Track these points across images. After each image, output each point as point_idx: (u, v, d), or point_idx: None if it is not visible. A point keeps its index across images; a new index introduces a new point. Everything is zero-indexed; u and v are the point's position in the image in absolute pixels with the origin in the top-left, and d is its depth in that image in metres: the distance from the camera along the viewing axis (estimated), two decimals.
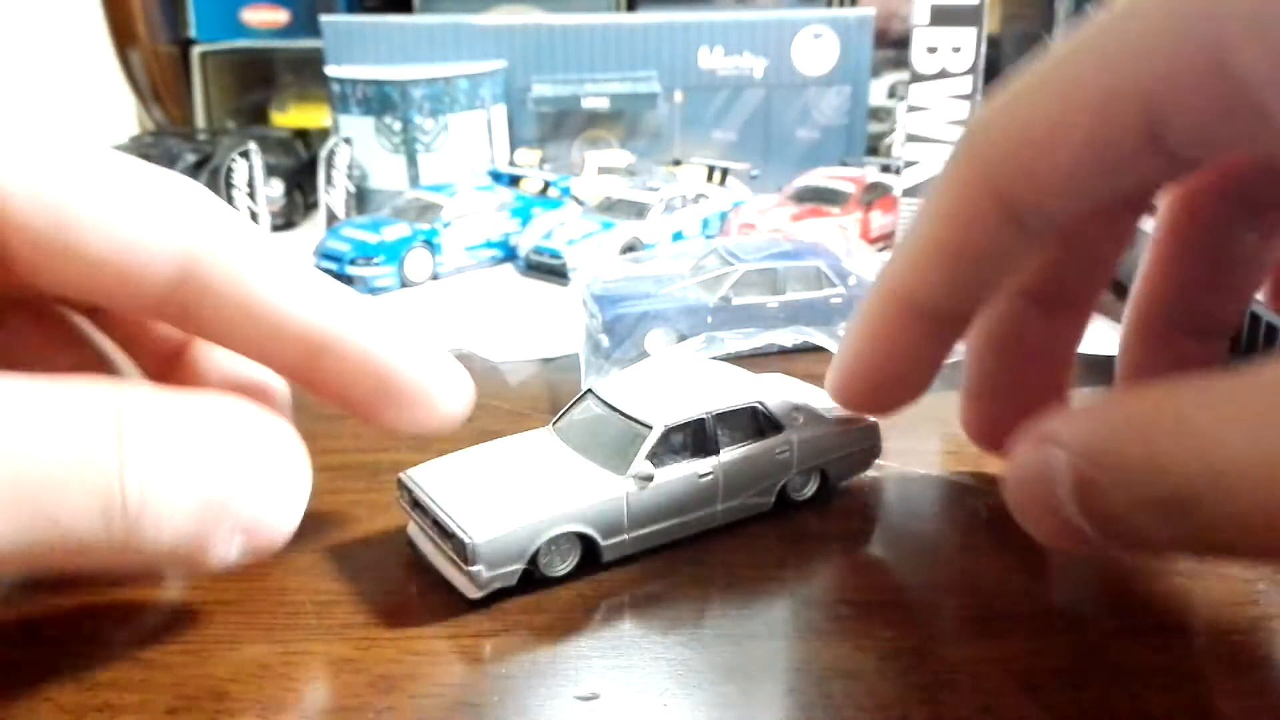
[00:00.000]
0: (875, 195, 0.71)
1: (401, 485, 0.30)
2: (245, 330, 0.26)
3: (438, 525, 0.28)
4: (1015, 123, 0.25)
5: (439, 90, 0.77)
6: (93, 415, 0.22)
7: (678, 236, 0.69)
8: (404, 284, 0.64)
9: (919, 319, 0.29)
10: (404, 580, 0.29)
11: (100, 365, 0.29)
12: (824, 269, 0.49)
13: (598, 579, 0.29)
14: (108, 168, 0.25)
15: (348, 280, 0.62)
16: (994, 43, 0.99)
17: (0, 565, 0.21)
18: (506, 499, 0.28)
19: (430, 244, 0.65)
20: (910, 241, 0.28)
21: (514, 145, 0.83)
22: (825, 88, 0.85)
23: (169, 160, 0.75)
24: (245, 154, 0.64)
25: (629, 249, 0.65)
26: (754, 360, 0.42)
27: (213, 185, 0.71)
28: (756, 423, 0.32)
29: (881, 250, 0.69)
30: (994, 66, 0.92)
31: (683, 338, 0.46)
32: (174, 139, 0.80)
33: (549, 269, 0.64)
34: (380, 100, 0.76)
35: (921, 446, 0.38)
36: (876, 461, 0.36)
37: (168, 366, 0.30)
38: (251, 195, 0.64)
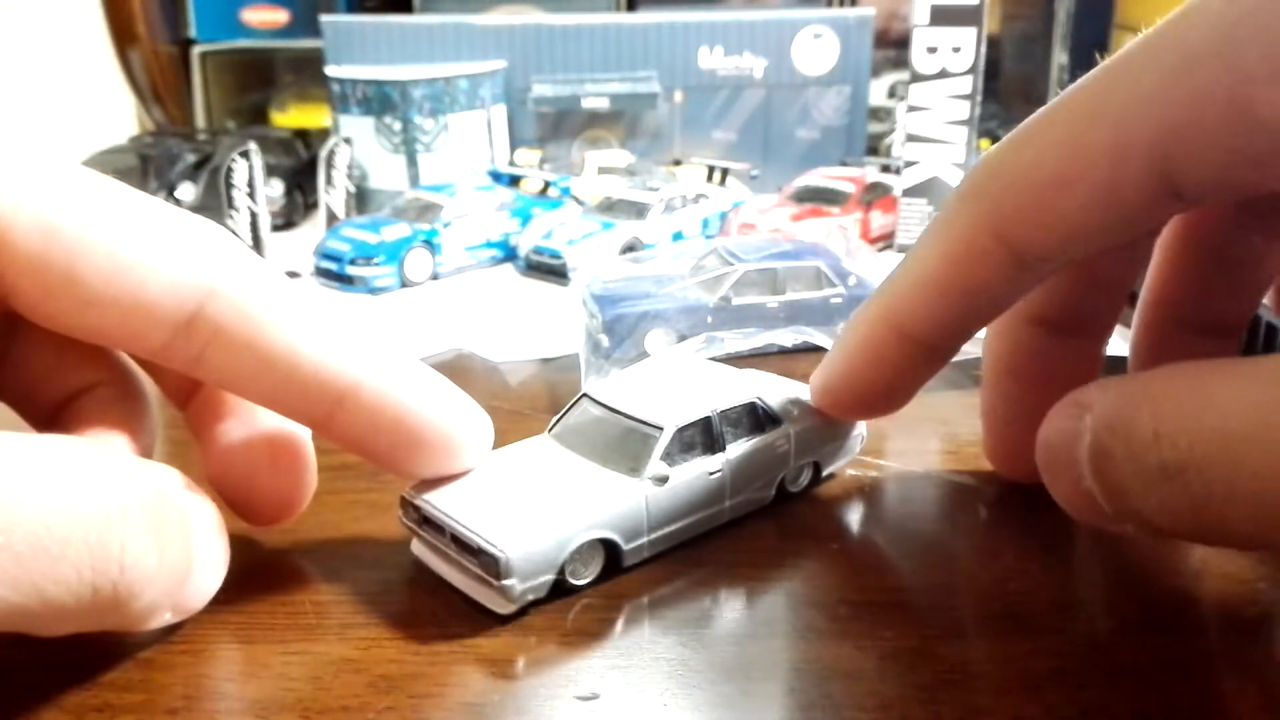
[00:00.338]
0: (875, 195, 0.71)
1: (406, 504, 0.30)
2: (257, 378, 0.25)
3: (458, 542, 0.28)
4: (1024, 169, 0.25)
5: (439, 90, 0.77)
6: (101, 489, 0.21)
7: (678, 236, 0.69)
8: (404, 284, 0.64)
9: (907, 345, 0.29)
10: (404, 580, 0.29)
11: (119, 383, 0.28)
12: (824, 269, 0.49)
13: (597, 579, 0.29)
14: (115, 200, 0.24)
15: (348, 280, 0.62)
16: (994, 43, 0.99)
17: None
18: (531, 510, 0.28)
19: (430, 244, 0.65)
20: (906, 273, 0.29)
21: (514, 145, 0.83)
22: (825, 88, 0.85)
23: (169, 160, 0.75)
24: (245, 154, 0.64)
25: (629, 249, 0.65)
26: (754, 360, 0.42)
27: (213, 185, 0.71)
28: (757, 418, 0.32)
29: (882, 250, 0.69)
30: (994, 66, 0.92)
31: (683, 338, 0.46)
32: (174, 139, 0.80)
33: (549, 269, 0.64)
34: (380, 100, 0.76)
35: (921, 446, 0.38)
36: (876, 461, 0.36)
37: (190, 391, 0.29)
38: (251, 195, 0.64)
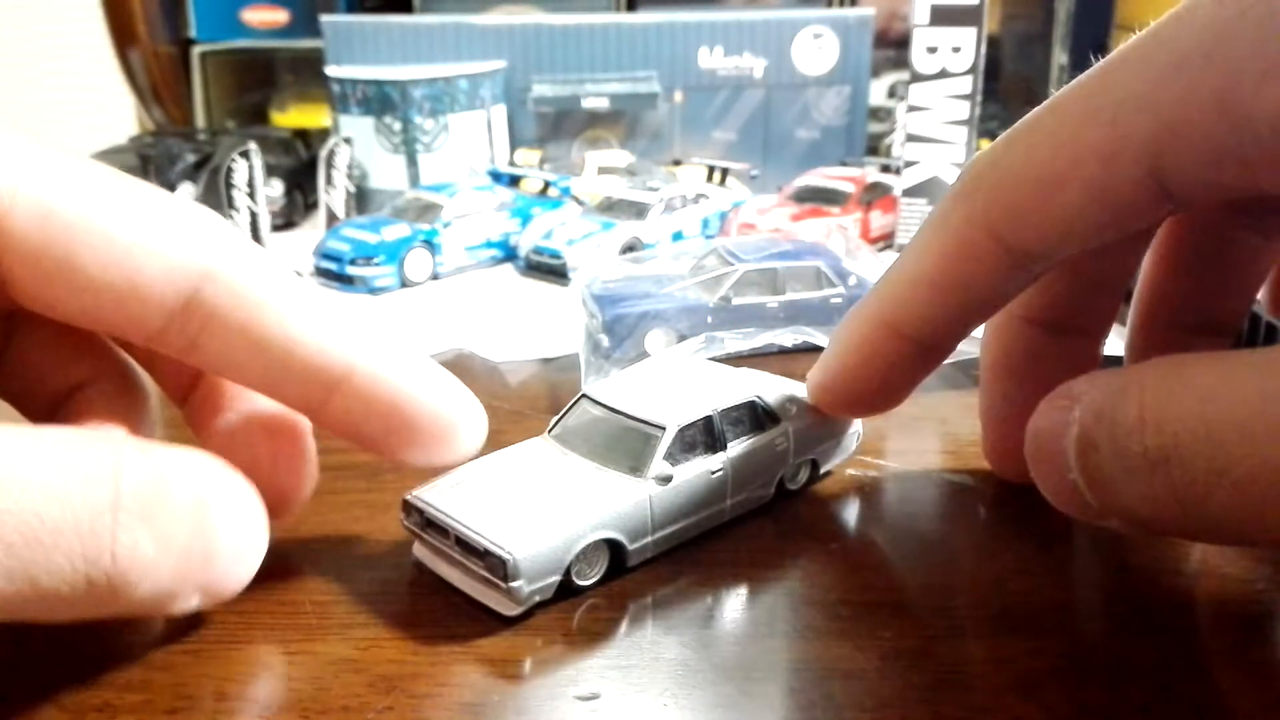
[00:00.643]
0: (875, 195, 0.71)
1: (408, 507, 0.30)
2: (251, 362, 0.25)
3: (462, 544, 0.28)
4: (1018, 168, 0.26)
5: (439, 90, 0.77)
6: (91, 478, 0.21)
7: (678, 236, 0.69)
8: (404, 284, 0.64)
9: (902, 343, 0.29)
10: (404, 580, 0.29)
11: (118, 377, 0.28)
12: (824, 269, 0.49)
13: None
14: (112, 186, 0.24)
15: (348, 280, 0.62)
16: (994, 43, 0.99)
17: None
18: (536, 512, 0.28)
19: (430, 244, 0.65)
20: (901, 271, 0.29)
21: (514, 145, 0.83)
22: (825, 88, 0.85)
23: (169, 160, 0.74)
24: (245, 154, 0.64)
25: (629, 249, 0.64)
26: (754, 360, 0.42)
27: (212, 185, 0.71)
28: (756, 416, 0.32)
29: (882, 250, 0.69)
30: (994, 66, 0.92)
31: (683, 338, 0.46)
32: (174, 139, 0.80)
33: (549, 269, 0.64)
34: (380, 100, 0.76)
35: (921, 446, 0.38)
36: (875, 461, 0.36)
37: (188, 386, 0.29)
38: (251, 195, 0.64)
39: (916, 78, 0.65)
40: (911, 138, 0.67)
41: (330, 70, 0.79)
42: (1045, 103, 0.26)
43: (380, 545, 0.31)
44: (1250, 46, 0.21)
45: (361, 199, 0.76)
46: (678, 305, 0.47)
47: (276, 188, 0.78)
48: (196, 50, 0.99)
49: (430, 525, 0.29)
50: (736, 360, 0.38)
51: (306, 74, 0.98)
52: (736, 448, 0.31)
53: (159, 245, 0.24)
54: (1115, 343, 0.34)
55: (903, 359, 0.30)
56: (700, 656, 0.26)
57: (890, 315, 0.29)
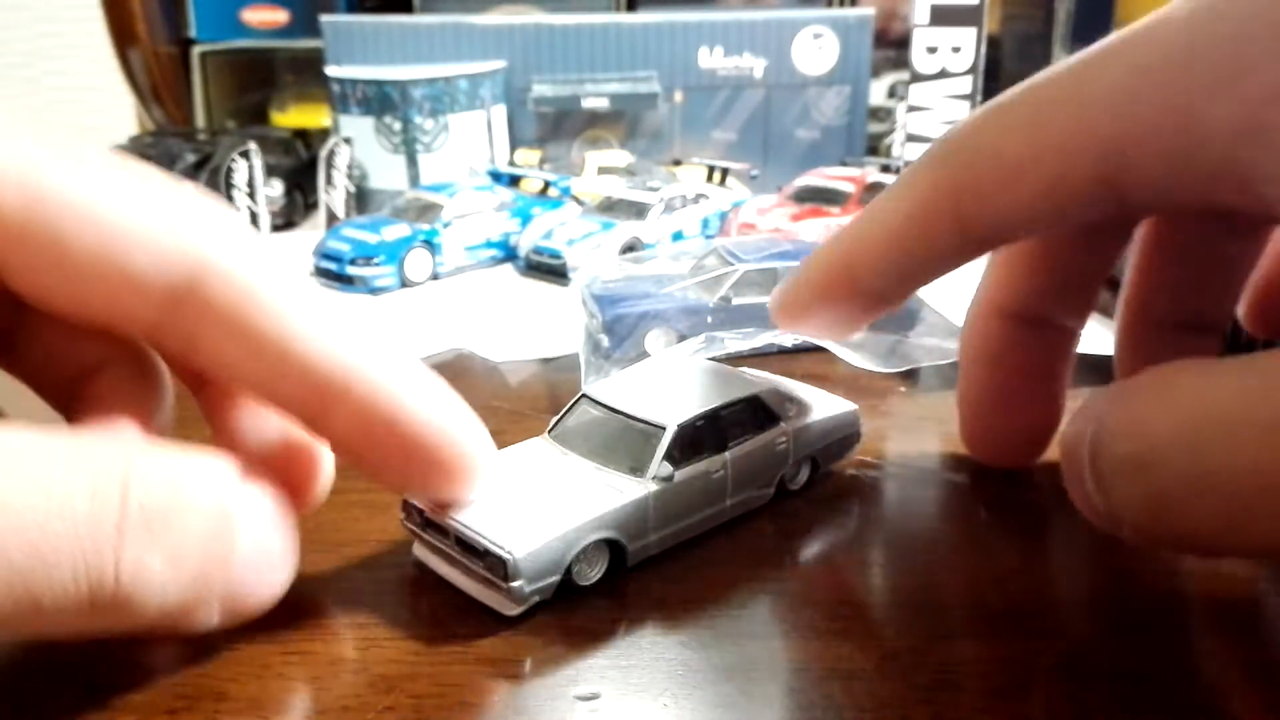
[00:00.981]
0: (875, 195, 0.70)
1: (408, 507, 0.29)
2: (247, 362, 0.24)
3: (462, 544, 0.28)
4: (985, 148, 0.26)
5: (439, 90, 0.77)
6: (97, 491, 0.20)
7: (678, 236, 0.69)
8: (404, 284, 0.64)
9: (856, 286, 0.30)
10: (404, 580, 0.29)
11: (133, 360, 0.27)
12: None
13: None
14: (102, 169, 0.23)
15: (348, 280, 0.62)
16: (994, 43, 0.99)
17: None
18: (536, 512, 0.28)
19: (430, 244, 0.65)
20: (865, 222, 0.30)
21: (514, 145, 0.83)
22: (825, 88, 0.85)
23: (169, 160, 0.75)
24: (245, 154, 0.64)
25: (629, 249, 0.64)
26: (754, 360, 0.42)
27: (213, 185, 0.71)
28: (756, 416, 0.32)
29: None
30: (994, 66, 0.93)
31: (683, 338, 0.46)
32: (174, 139, 0.80)
33: (549, 269, 0.64)
34: (380, 100, 0.76)
35: (921, 446, 0.38)
36: (875, 461, 0.36)
37: (202, 378, 0.28)
38: (251, 195, 0.64)
39: (916, 78, 0.65)
40: (911, 138, 0.67)
41: (330, 70, 0.79)
42: (1023, 84, 0.26)
43: (380, 545, 0.31)
44: (1209, 60, 0.21)
45: (361, 199, 0.76)
46: (678, 305, 0.47)
47: (276, 188, 0.78)
48: (196, 50, 0.99)
49: (430, 525, 0.29)
50: (736, 360, 0.38)
51: (306, 74, 0.98)
52: (737, 448, 0.31)
53: (150, 233, 0.23)
54: (1105, 338, 0.35)
55: (855, 301, 0.31)
56: (700, 656, 0.26)
57: (849, 258, 0.30)
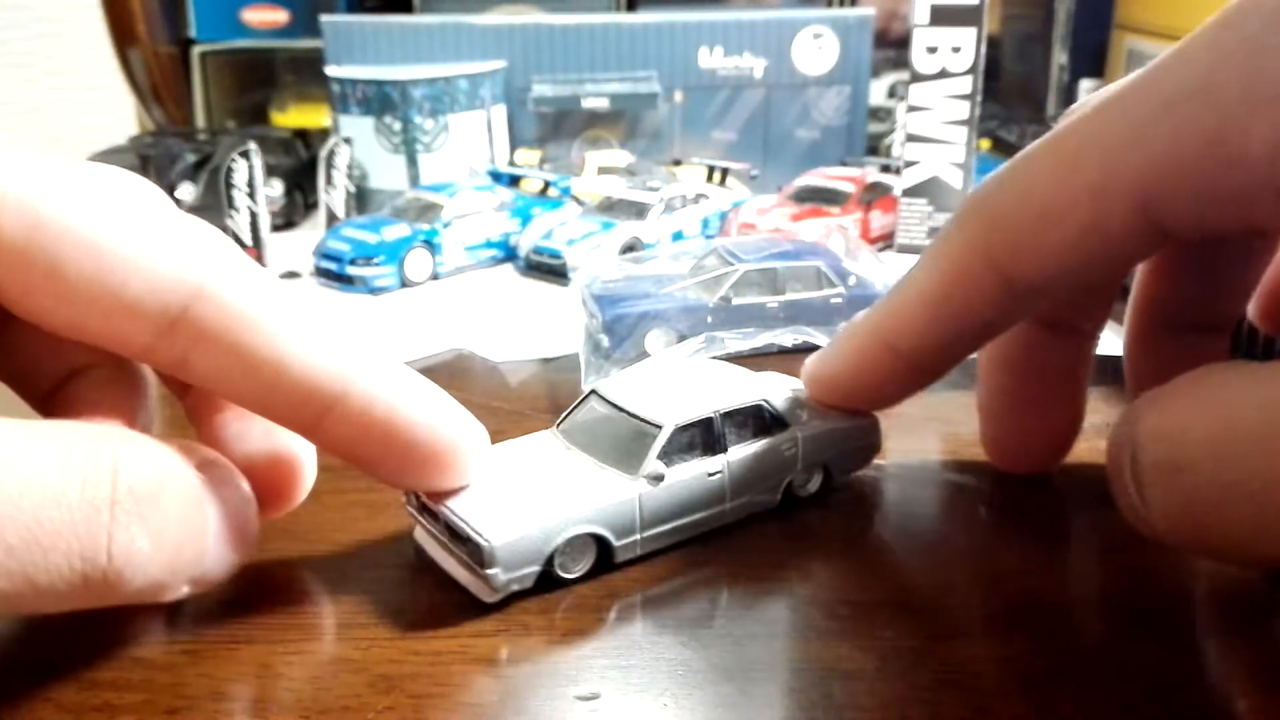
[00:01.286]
0: (875, 195, 0.71)
1: (409, 491, 0.30)
2: (242, 383, 0.25)
3: (450, 530, 0.28)
4: (1016, 200, 0.26)
5: (439, 90, 0.77)
6: (89, 477, 0.21)
7: (678, 236, 0.69)
8: (404, 284, 0.64)
9: (896, 360, 0.30)
10: (404, 580, 0.29)
11: (117, 363, 0.28)
12: (824, 269, 0.49)
13: (598, 579, 0.29)
14: (103, 194, 0.23)
15: (348, 280, 0.62)
16: (994, 43, 0.99)
17: None
18: (520, 502, 0.28)
19: (430, 244, 0.65)
20: (901, 291, 0.30)
21: (514, 145, 0.83)
22: (825, 88, 0.85)
23: (169, 160, 0.75)
24: (245, 154, 0.64)
25: (629, 249, 0.64)
26: (754, 360, 0.42)
27: (213, 185, 0.71)
28: (762, 420, 0.32)
29: (882, 250, 0.69)
30: (994, 66, 0.92)
31: (683, 338, 0.46)
32: (174, 139, 0.80)
33: (549, 269, 0.64)
34: (380, 100, 0.76)
35: (921, 446, 0.38)
36: (876, 461, 0.36)
37: (185, 384, 0.28)
38: (251, 195, 0.64)
39: (916, 78, 0.65)
40: (911, 138, 0.67)
41: (330, 70, 0.79)
42: (1047, 135, 0.26)
43: (380, 545, 0.31)
44: (1239, 85, 0.21)
45: (361, 199, 0.76)
46: (678, 305, 0.47)
47: (276, 188, 0.78)
48: (196, 50, 0.99)
49: (426, 510, 0.29)
50: (737, 360, 0.38)
51: (306, 74, 0.98)
52: (738, 451, 0.31)
53: (148, 260, 0.23)
54: (1111, 340, 0.35)
55: (896, 375, 0.31)
56: (700, 656, 0.26)
57: (887, 334, 0.30)
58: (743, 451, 0.31)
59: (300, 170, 0.82)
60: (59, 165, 0.23)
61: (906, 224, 0.69)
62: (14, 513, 0.20)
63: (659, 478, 0.29)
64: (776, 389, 0.33)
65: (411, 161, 0.77)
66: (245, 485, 0.26)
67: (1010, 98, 1.00)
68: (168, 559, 0.23)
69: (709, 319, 0.47)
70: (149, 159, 0.75)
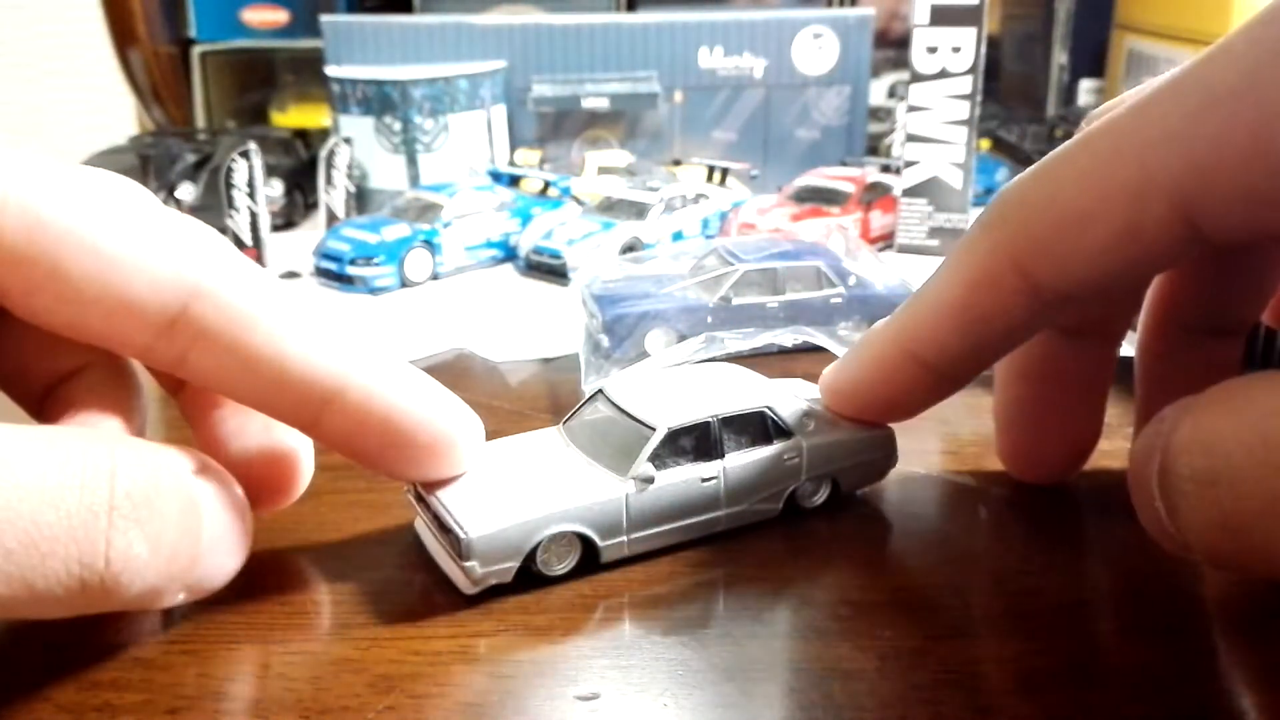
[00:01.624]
0: (875, 195, 0.71)
1: (407, 481, 0.30)
2: (242, 380, 0.25)
3: (438, 520, 0.29)
4: (1045, 203, 0.25)
5: (439, 90, 0.77)
6: (87, 483, 0.21)
7: (678, 236, 0.69)
8: (404, 284, 0.64)
9: (919, 369, 0.29)
10: (404, 580, 0.29)
11: (110, 364, 0.28)
12: (824, 269, 0.49)
13: (598, 579, 0.29)
14: (103, 197, 0.24)
15: (348, 280, 0.62)
16: (994, 43, 0.99)
17: None
18: (505, 496, 0.28)
19: (430, 244, 0.65)
20: (923, 297, 0.29)
21: (514, 145, 0.83)
22: (825, 88, 0.85)
23: (169, 160, 0.74)
24: (245, 154, 0.64)
25: (629, 249, 0.64)
26: (754, 360, 0.42)
27: (213, 185, 0.71)
28: (765, 428, 0.32)
29: (882, 250, 0.69)
30: (994, 66, 0.92)
31: (683, 338, 0.46)
32: (174, 139, 0.80)
33: (549, 269, 0.64)
34: (380, 100, 0.76)
35: (921, 446, 0.38)
36: None
37: (180, 381, 0.29)
38: (251, 195, 0.64)
39: (916, 78, 0.65)
40: (911, 138, 0.67)
41: (330, 70, 0.79)
42: (1076, 137, 0.25)
43: (380, 545, 0.31)
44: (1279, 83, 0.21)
45: (361, 199, 0.76)
46: (678, 305, 0.47)
47: (276, 188, 0.78)
48: (196, 50, 0.99)
49: (421, 499, 0.30)
50: (737, 360, 0.38)
51: (306, 74, 0.98)
52: (736, 457, 0.31)
53: (147, 261, 0.24)
54: (1125, 346, 0.34)
55: (918, 384, 0.30)
56: (700, 656, 0.26)
57: (909, 340, 0.29)
58: (741, 458, 0.31)
59: (300, 170, 0.82)
60: (57, 169, 0.24)
61: (906, 224, 0.69)
62: (12, 517, 0.20)
63: (648, 480, 0.29)
64: (786, 397, 0.33)
65: (411, 161, 0.77)
66: (239, 490, 0.26)
67: (1010, 98, 1.00)
68: (164, 564, 0.23)
69: (709, 319, 0.47)
70: (149, 159, 0.75)
